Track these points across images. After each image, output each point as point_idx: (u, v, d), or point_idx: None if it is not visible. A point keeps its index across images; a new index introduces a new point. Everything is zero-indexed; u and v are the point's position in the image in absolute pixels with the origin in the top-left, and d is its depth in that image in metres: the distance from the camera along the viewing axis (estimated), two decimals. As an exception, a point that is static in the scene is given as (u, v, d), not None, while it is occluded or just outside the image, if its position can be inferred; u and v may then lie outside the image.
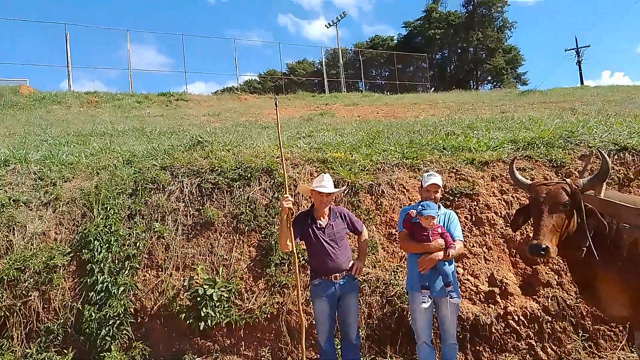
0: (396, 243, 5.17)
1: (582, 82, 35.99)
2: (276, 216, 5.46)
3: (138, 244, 5.39)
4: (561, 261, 4.95)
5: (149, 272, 5.31)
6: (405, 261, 4.61)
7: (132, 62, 25.31)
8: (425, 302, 4.02)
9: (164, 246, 5.43)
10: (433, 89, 35.51)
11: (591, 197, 3.81)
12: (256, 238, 5.46)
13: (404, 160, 6.25)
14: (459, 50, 45.26)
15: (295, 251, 4.19)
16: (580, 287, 4.18)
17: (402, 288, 4.81)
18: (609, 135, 6.30)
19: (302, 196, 5.61)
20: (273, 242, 5.31)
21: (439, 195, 4.24)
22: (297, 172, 5.97)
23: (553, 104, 16.40)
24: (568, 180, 3.95)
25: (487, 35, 42.31)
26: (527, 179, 5.06)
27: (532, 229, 3.80)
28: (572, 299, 4.81)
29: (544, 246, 3.55)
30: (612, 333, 4.73)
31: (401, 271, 4.96)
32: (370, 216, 5.55)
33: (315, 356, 4.56)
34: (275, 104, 4.78)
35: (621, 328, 4.66)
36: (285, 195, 4.12)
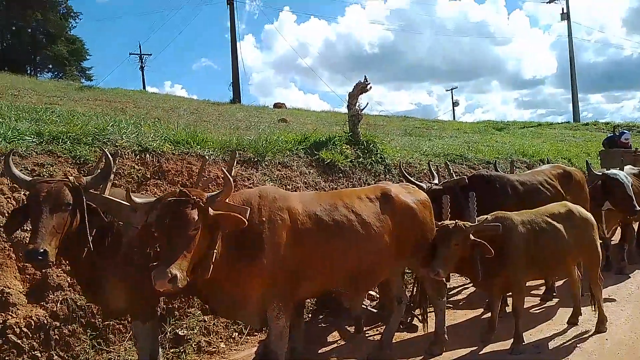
0: None
1: (144, 87, 38.36)
2: None
3: None
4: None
5: None
6: None
7: None
8: None
9: None
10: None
11: (96, 195, 3.78)
12: None
13: None
14: (14, 28, 39.55)
15: None
16: (83, 286, 4.11)
17: None
18: (136, 137, 6.65)
19: None
20: None
21: None
22: None
23: (109, 102, 16.46)
24: (71, 178, 3.79)
25: (49, 19, 38.78)
26: (37, 175, 4.65)
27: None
28: (83, 300, 4.69)
29: (41, 250, 3.25)
30: (121, 326, 4.92)
31: None
32: None
33: None
34: None
35: (129, 320, 4.89)
36: None
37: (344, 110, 11.58)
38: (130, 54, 42.62)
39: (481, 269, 4.47)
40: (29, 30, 40.10)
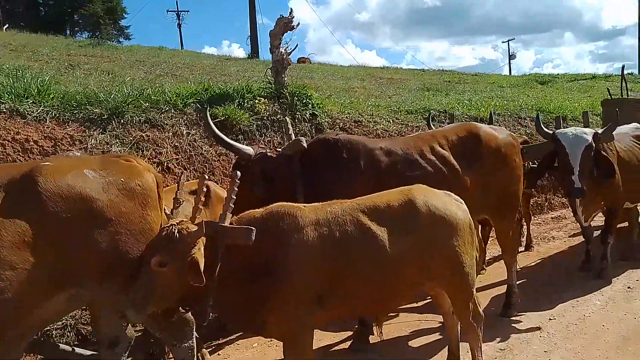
0: None
1: (182, 46, 37.45)
2: None
3: None
4: None
5: None
6: None
7: None
8: None
9: None
10: (7, 26, 29.72)
11: None
12: None
13: None
14: (53, -12, 39.78)
15: None
16: None
17: None
18: None
19: None
20: None
21: None
22: None
23: (86, 56, 15.37)
24: None
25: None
26: None
27: None
28: None
29: None
30: None
31: None
32: None
33: None
34: None
35: None
36: None
37: (403, 65, 9.58)
38: (167, 11, 41.71)
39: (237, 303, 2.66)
40: (68, -11, 40.11)
